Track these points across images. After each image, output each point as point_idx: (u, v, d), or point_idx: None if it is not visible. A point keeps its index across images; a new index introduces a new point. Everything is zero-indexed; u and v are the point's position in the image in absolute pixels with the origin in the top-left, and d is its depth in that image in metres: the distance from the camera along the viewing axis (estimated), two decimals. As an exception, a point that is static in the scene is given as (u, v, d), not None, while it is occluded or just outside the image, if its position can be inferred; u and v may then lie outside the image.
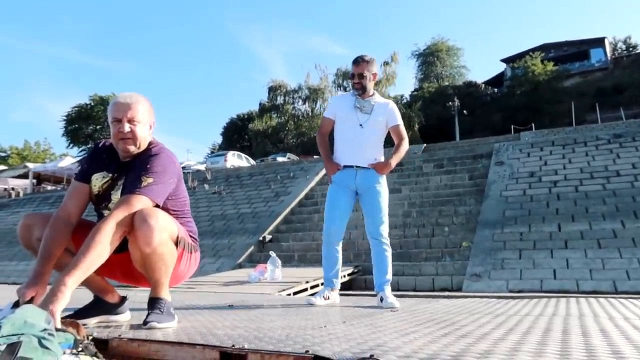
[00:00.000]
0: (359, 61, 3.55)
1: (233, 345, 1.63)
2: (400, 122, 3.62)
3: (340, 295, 4.19)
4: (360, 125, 3.55)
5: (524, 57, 41.99)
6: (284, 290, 5.88)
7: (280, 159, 26.36)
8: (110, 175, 2.13)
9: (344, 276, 8.04)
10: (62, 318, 1.69)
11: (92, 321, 2.28)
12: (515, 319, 2.64)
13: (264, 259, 9.10)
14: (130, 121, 2.02)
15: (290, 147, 38.80)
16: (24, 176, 29.48)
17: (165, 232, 2.01)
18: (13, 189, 27.18)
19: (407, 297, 5.28)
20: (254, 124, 42.00)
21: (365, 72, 3.51)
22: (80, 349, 1.55)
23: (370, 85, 3.57)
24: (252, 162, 26.05)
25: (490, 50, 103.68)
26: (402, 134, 3.60)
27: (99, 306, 2.31)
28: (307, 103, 43.27)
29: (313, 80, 43.25)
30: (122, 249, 1.98)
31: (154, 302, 2.16)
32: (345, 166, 3.60)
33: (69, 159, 30.85)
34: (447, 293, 7.09)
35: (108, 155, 2.16)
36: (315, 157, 23.49)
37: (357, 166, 3.57)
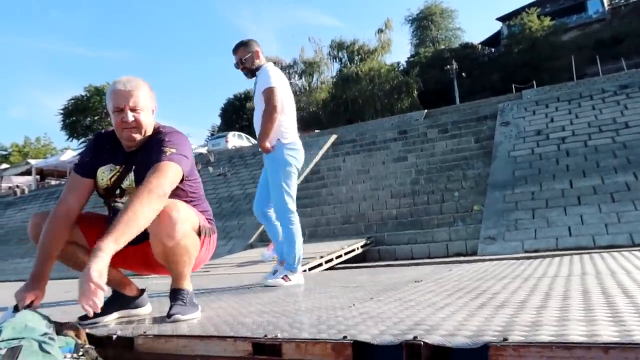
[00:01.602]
0: (234, 50, 3.64)
1: (265, 336, 1.55)
2: (271, 84, 3.43)
3: (357, 267, 4.15)
4: (254, 108, 3.67)
5: (519, 14, 41.29)
6: (299, 267, 5.82)
7: (281, 136, 26.10)
8: (118, 167, 2.04)
9: (358, 248, 8.01)
10: (62, 323, 1.65)
11: (112, 317, 2.21)
12: (547, 281, 2.56)
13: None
14: (133, 110, 1.93)
15: (290, 123, 38.47)
16: (27, 173, 29.47)
17: (187, 224, 1.94)
18: (17, 186, 27.19)
19: (424, 265, 5.22)
20: (251, 102, 41.56)
21: (243, 56, 3.58)
22: (80, 353, 1.53)
23: (256, 63, 3.59)
24: (253, 141, 25.87)
25: (485, 9, 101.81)
26: (267, 98, 3.41)
27: (118, 301, 2.24)
28: (303, 77, 42.85)
29: (308, 54, 42.74)
30: (139, 240, 1.89)
31: (176, 294, 2.09)
32: None
33: (69, 152, 30.75)
34: (463, 258, 7.06)
35: (111, 146, 2.06)
36: (316, 131, 23.31)
37: None
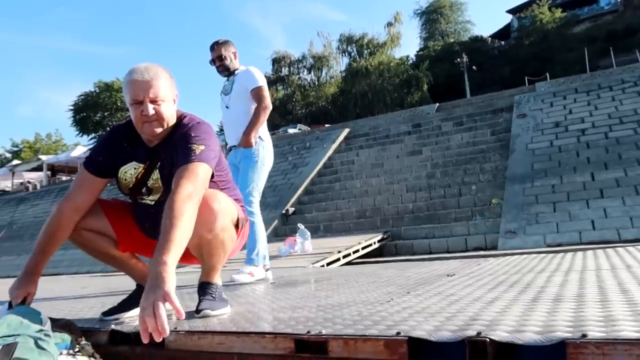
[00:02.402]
0: (213, 47, 3.62)
1: (308, 332, 1.43)
2: (260, 83, 3.56)
3: (378, 262, 4.07)
4: (227, 107, 3.68)
5: (530, 6, 40.84)
6: (317, 262, 5.73)
7: (291, 130, 26.04)
8: (142, 165, 1.87)
9: (374, 243, 7.88)
10: (57, 319, 1.61)
11: (137, 312, 2.10)
12: (591, 274, 2.42)
13: (289, 232, 8.96)
14: (154, 101, 1.74)
15: (299, 118, 38.47)
16: (38, 169, 29.61)
17: (227, 217, 1.83)
18: (29, 182, 27.37)
19: (447, 259, 5.08)
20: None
21: (222, 53, 3.60)
22: (77, 349, 1.51)
23: (233, 64, 3.65)
24: (263, 136, 25.70)
25: (495, 2, 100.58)
26: (261, 96, 3.54)
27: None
28: (312, 72, 42.70)
29: (317, 49, 42.54)
30: None
31: (205, 288, 1.98)
32: (230, 147, 3.71)
33: (80, 148, 30.86)
34: (486, 252, 6.90)
35: (130, 143, 1.88)
36: (326, 125, 23.17)
37: (233, 146, 3.66)
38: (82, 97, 30.36)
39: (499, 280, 2.47)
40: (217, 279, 2.01)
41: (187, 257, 2.06)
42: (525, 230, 7.36)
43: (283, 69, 42.71)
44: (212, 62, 3.67)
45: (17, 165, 31.89)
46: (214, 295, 1.96)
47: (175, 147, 1.77)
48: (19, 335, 1.32)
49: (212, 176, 1.82)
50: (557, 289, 1.96)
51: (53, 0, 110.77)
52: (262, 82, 3.58)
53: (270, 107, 3.59)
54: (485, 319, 1.42)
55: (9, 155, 45.43)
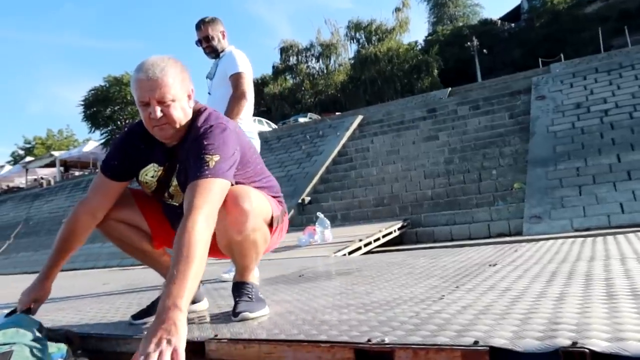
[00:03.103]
0: (199, 26, 3.34)
1: (369, 340, 1.27)
2: (240, 69, 3.22)
3: (398, 250, 3.88)
4: (209, 93, 3.44)
5: (541, -14, 40.07)
6: (339, 251, 5.60)
7: (301, 119, 25.84)
8: (162, 167, 1.73)
9: (395, 231, 7.72)
10: (55, 329, 1.59)
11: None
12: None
13: (305, 222, 8.83)
14: (161, 102, 1.56)
15: (309, 106, 38.25)
16: (51, 165, 29.79)
17: (259, 217, 1.67)
18: (42, 178, 27.53)
19: (478, 246, 4.89)
20: (269, 87, 41.34)
21: (210, 33, 3.31)
22: (72, 359, 1.49)
23: (221, 44, 3.36)
24: (274, 126, 25.60)
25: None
26: (238, 84, 3.20)
27: None
28: (320, 60, 42.39)
29: (324, 36, 42.16)
30: None
31: (240, 288, 1.84)
32: None
33: (92, 143, 30.99)
34: (508, 238, 6.71)
35: (146, 143, 1.73)
36: (337, 113, 22.94)
37: None
38: (92, 92, 30.33)
39: (549, 270, 2.31)
40: (253, 278, 1.88)
41: (216, 253, 1.91)
42: (551, 215, 7.14)
43: (291, 58, 42.45)
44: (199, 42, 3.37)
45: (30, 162, 32.13)
46: (250, 296, 1.82)
47: (189, 154, 1.59)
48: (14, 343, 1.31)
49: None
50: (627, 282, 1.78)
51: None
52: (243, 68, 3.24)
53: (247, 96, 3.22)
54: (568, 322, 1.25)
55: (21, 152, 45.79)
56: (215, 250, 1.86)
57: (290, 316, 1.73)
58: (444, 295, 1.85)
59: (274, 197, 1.90)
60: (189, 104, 1.66)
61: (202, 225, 1.37)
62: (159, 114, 1.56)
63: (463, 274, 2.43)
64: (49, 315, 2.28)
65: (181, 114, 1.61)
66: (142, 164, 1.76)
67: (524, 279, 2.08)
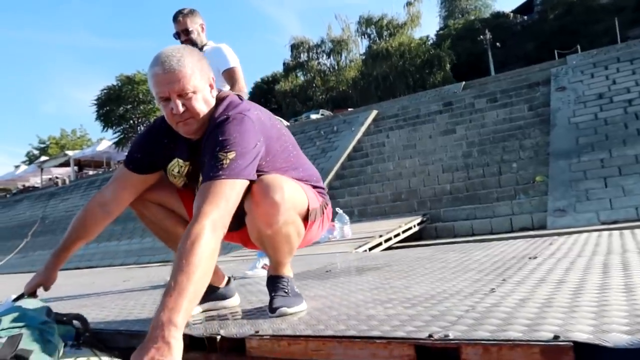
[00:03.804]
0: (178, 18, 3.17)
1: (430, 336, 1.15)
2: (233, 64, 3.15)
3: (420, 245, 3.75)
4: None
5: (554, -22, 39.45)
6: (360, 247, 5.49)
7: (313, 116, 25.72)
8: (187, 163, 1.62)
9: (414, 226, 7.58)
10: (64, 313, 1.56)
11: (197, 310, 1.86)
12: None
13: (322, 218, 8.71)
14: (182, 95, 1.45)
15: (320, 103, 38.13)
16: (65, 164, 30.01)
17: (292, 210, 1.53)
18: (57, 177, 27.76)
19: (507, 240, 4.75)
20: (280, 85, 41.29)
21: (188, 26, 3.16)
22: (81, 341, 1.51)
23: (200, 38, 3.21)
24: (286, 122, 25.51)
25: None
26: (235, 78, 3.12)
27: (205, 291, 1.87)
28: (331, 56, 42.19)
29: (335, 32, 41.96)
30: (236, 227, 1.52)
31: (275, 282, 1.72)
32: None
33: (105, 142, 31.15)
34: (532, 232, 6.55)
35: (170, 138, 1.62)
36: (349, 109, 22.78)
37: None
38: (105, 91, 30.53)
39: (598, 261, 2.17)
40: (288, 271, 1.75)
41: (250, 244, 1.79)
42: (576, 208, 6.97)
43: (302, 55, 42.31)
44: (177, 35, 3.21)
45: (44, 161, 32.42)
46: (286, 290, 1.71)
47: (205, 150, 1.47)
48: (23, 326, 1.31)
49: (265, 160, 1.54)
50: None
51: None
52: (236, 63, 3.18)
53: (246, 89, 3.22)
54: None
55: (36, 152, 46.26)
56: (248, 241, 1.76)
57: (331, 311, 1.62)
58: (494, 289, 1.73)
59: (313, 187, 1.75)
60: (212, 94, 1.55)
61: (207, 234, 1.23)
62: (181, 108, 1.44)
63: (504, 267, 2.30)
64: (72, 312, 2.19)
65: (204, 106, 1.49)
66: (167, 159, 1.65)
67: (574, 271, 1.96)
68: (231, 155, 1.37)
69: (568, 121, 9.22)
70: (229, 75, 3.13)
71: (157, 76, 1.45)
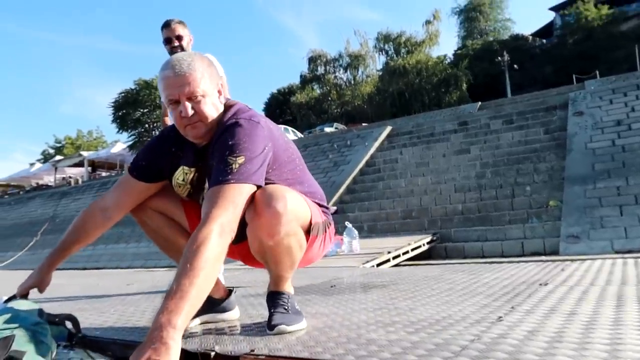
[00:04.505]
0: (169, 24, 3.16)
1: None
2: (221, 74, 3.11)
3: (429, 264, 3.68)
4: None
5: (575, 3, 39.28)
6: (367, 262, 5.40)
7: (327, 129, 25.77)
8: (193, 169, 1.61)
9: (424, 245, 7.49)
10: (56, 314, 1.53)
11: (195, 322, 1.82)
12: None
13: (331, 232, 8.66)
14: (192, 99, 1.46)
15: (335, 117, 38.22)
16: (80, 164, 30.33)
17: (294, 221, 1.49)
18: (70, 177, 28.04)
19: (517, 263, 4.66)
20: (295, 97, 41.49)
21: (181, 33, 3.16)
22: (73, 342, 1.50)
23: (189, 47, 3.20)
24: (299, 134, 25.57)
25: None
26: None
27: (203, 303, 1.83)
28: (348, 71, 42.38)
29: (353, 47, 42.16)
30: (238, 239, 1.48)
31: (275, 298, 1.67)
32: None
33: (119, 145, 31.47)
34: (545, 257, 6.43)
35: (178, 146, 1.63)
36: (363, 124, 22.78)
37: None
38: (122, 94, 30.94)
39: (611, 292, 2.09)
40: (289, 288, 1.70)
41: (253, 261, 1.77)
42: (590, 235, 6.83)
43: (319, 68, 42.56)
44: (168, 41, 3.17)
45: (59, 160, 32.79)
46: (286, 307, 1.65)
47: (213, 154, 1.46)
48: (16, 327, 1.30)
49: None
50: None
51: (92, 2, 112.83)
52: (221, 72, 3.18)
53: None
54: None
55: (52, 151, 46.87)
56: (249, 257, 1.72)
57: (331, 332, 1.57)
58: (501, 317, 1.66)
59: (318, 205, 1.71)
60: (220, 100, 1.56)
61: (214, 238, 1.22)
62: (190, 111, 1.45)
63: (513, 293, 2.23)
64: (72, 314, 2.16)
65: (213, 110, 1.51)
66: (174, 168, 1.64)
67: (587, 302, 1.89)
68: (240, 159, 1.37)
69: (585, 146, 9.10)
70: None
71: (168, 79, 1.46)
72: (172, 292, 1.11)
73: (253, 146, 1.41)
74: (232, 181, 1.33)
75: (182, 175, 1.63)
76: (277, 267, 1.61)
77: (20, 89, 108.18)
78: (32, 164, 39.06)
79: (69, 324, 1.55)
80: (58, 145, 47.14)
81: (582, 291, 2.18)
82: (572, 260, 4.39)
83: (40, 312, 1.47)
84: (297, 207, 1.51)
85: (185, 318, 1.08)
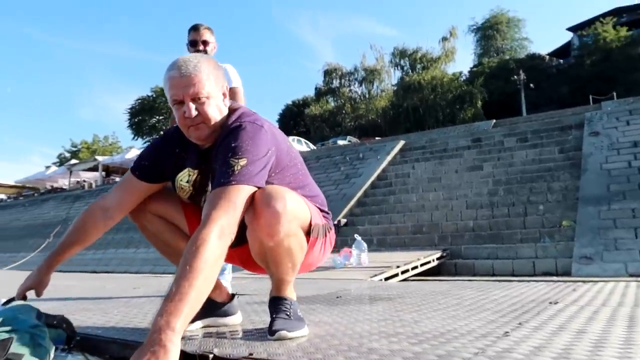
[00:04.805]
0: (198, 27, 3.12)
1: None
2: (236, 84, 3.17)
3: (438, 280, 3.64)
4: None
5: (593, 24, 39.18)
6: (375, 275, 5.35)
7: (340, 142, 25.81)
8: (196, 171, 1.61)
9: (433, 260, 7.41)
10: (53, 315, 1.53)
11: (196, 326, 1.81)
12: None
13: (340, 244, 8.60)
14: (196, 99, 1.46)
15: (348, 130, 38.32)
16: (94, 169, 30.63)
17: (294, 222, 1.48)
18: (84, 181, 28.34)
19: (528, 282, 4.59)
20: (310, 109, 41.72)
21: (209, 38, 3.13)
22: (72, 345, 1.51)
23: (213, 54, 3.18)
24: (312, 146, 25.63)
25: (555, 19, 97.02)
26: (237, 97, 3.12)
27: (205, 306, 1.81)
28: (363, 85, 42.60)
29: (369, 61, 42.37)
30: (239, 242, 1.47)
31: (277, 303, 1.65)
32: None
33: (134, 150, 31.76)
34: (556, 278, 6.31)
35: (182, 148, 1.64)
36: (377, 138, 22.78)
37: None
38: (139, 101, 31.31)
39: (624, 313, 2.04)
40: (291, 293, 1.68)
41: (253, 266, 1.76)
42: (603, 257, 6.71)
43: (334, 81, 42.85)
44: (193, 44, 3.14)
45: (74, 164, 33.17)
46: (288, 313, 1.64)
47: (217, 157, 1.46)
48: (14, 330, 1.30)
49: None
50: None
51: (116, 10, 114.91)
52: (238, 83, 3.21)
53: None
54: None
55: (67, 154, 47.46)
56: (249, 261, 1.71)
57: (332, 340, 1.55)
58: (508, 332, 1.63)
59: (317, 208, 1.70)
60: (225, 102, 1.57)
61: (214, 239, 1.21)
62: (193, 112, 1.46)
63: (522, 310, 2.19)
64: (74, 315, 2.16)
65: (216, 112, 1.51)
66: (177, 169, 1.65)
67: (597, 322, 1.85)
68: (242, 161, 1.38)
69: (600, 167, 8.98)
70: (231, 94, 3.17)
71: (173, 79, 1.47)
72: (171, 294, 1.11)
73: (256, 149, 1.42)
74: (233, 182, 1.34)
75: (187, 176, 1.63)
76: (278, 270, 1.60)
77: (44, 94, 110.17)
78: (47, 167, 39.54)
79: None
80: (74, 149, 47.76)
81: (593, 311, 2.14)
82: (584, 282, 4.31)
83: (39, 314, 1.47)
84: (296, 207, 1.50)
85: (184, 320, 1.08)
